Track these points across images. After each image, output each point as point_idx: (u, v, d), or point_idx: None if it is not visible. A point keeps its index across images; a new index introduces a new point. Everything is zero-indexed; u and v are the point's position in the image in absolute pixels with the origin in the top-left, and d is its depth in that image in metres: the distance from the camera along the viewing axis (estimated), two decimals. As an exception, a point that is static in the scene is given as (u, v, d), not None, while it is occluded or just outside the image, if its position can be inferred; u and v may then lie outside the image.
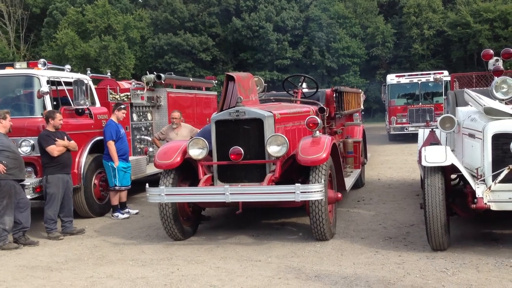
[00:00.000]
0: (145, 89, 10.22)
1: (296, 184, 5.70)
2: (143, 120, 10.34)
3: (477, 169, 5.52)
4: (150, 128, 10.56)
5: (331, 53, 41.14)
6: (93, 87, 8.80)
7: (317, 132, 6.29)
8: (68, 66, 8.42)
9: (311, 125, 6.24)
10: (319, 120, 6.21)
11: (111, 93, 9.34)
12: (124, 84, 10.28)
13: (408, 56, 40.27)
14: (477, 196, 5.16)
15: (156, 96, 10.62)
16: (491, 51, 7.02)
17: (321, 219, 5.94)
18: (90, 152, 8.26)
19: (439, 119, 6.37)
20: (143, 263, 5.61)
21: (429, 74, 19.72)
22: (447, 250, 5.50)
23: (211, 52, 43.02)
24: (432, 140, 7.61)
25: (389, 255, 5.46)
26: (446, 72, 19.41)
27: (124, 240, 6.74)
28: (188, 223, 6.69)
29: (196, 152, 6.29)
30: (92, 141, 8.27)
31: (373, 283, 4.56)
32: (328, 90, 8.60)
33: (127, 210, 8.31)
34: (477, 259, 5.15)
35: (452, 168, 5.51)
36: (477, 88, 7.83)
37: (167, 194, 6.00)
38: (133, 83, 10.18)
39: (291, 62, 41.81)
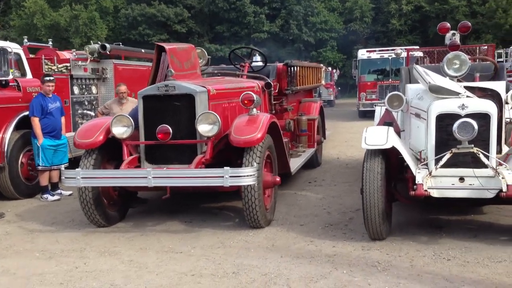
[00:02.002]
0: (89, 60, 9.50)
1: (225, 168, 5.15)
2: (86, 93, 9.63)
3: (420, 152, 5.04)
4: (95, 102, 9.87)
5: (309, 27, 40.48)
6: (23, 56, 8.07)
7: (254, 109, 5.73)
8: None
9: (246, 102, 5.68)
10: (255, 97, 5.64)
11: (46, 64, 8.62)
12: (66, 54, 9.55)
13: (386, 32, 39.80)
14: (416, 182, 4.68)
15: (101, 68, 9.90)
16: (448, 25, 6.49)
17: (254, 206, 5.42)
18: (17, 128, 7.61)
19: (387, 96, 5.86)
20: (51, 255, 5.05)
21: (402, 49, 19.22)
22: (386, 240, 5.05)
23: (186, 24, 41.96)
24: (387, 119, 7.11)
25: (322, 246, 4.98)
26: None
27: (43, 226, 6.16)
28: (115, 207, 6.11)
29: (120, 131, 5.70)
30: (19, 116, 7.59)
31: (293, 281, 4.08)
32: (280, 64, 8.00)
33: (58, 191, 7.70)
34: (415, 251, 4.70)
35: (397, 151, 5.03)
36: (431, 65, 7.32)
37: (83, 177, 5.41)
38: (74, 53, 9.44)
39: (268, 36, 41.03)
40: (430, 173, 4.70)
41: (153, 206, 6.97)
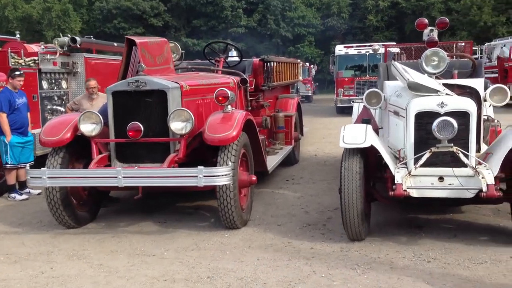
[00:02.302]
0: (58, 53, 9.16)
1: (199, 167, 4.96)
2: (55, 88, 9.29)
3: (399, 151, 4.93)
4: (65, 98, 9.53)
5: (286, 22, 40.37)
6: (-13, 50, 7.72)
7: (229, 106, 5.54)
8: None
9: (220, 98, 5.48)
10: (230, 93, 5.45)
11: (13, 57, 8.26)
12: (34, 48, 9.19)
13: (363, 28, 39.91)
14: (395, 182, 4.57)
15: (72, 62, 9.56)
16: (426, 21, 6.40)
17: (230, 206, 5.24)
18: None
19: (365, 93, 5.74)
20: (16, 258, 4.80)
21: (380, 45, 19.21)
22: (365, 240, 4.93)
23: (162, 18, 41.48)
24: (365, 116, 7.02)
25: (300, 247, 4.84)
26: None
27: (9, 227, 5.89)
28: (85, 208, 5.87)
29: (88, 128, 5.45)
30: (-18, 112, 7.25)
31: (271, 286, 3.92)
32: (256, 60, 7.82)
33: (27, 190, 7.40)
34: (394, 252, 4.59)
35: (376, 150, 4.90)
36: (410, 61, 7.24)
37: (49, 177, 5.15)
38: (42, 47, 9.09)
39: (245, 31, 40.80)
40: (409, 173, 4.59)
41: (126, 205, 6.74)
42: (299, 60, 11.06)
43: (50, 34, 36.31)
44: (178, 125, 5.26)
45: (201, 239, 5.23)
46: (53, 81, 9.26)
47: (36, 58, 8.76)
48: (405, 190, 4.53)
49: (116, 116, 5.51)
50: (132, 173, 5.07)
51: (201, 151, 5.66)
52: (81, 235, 5.48)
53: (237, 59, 8.37)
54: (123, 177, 5.03)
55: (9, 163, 7.11)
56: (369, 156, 5.05)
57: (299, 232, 5.37)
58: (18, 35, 9.83)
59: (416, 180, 4.64)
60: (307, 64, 30.66)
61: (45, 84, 9.03)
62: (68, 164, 5.58)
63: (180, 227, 5.66)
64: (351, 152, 4.85)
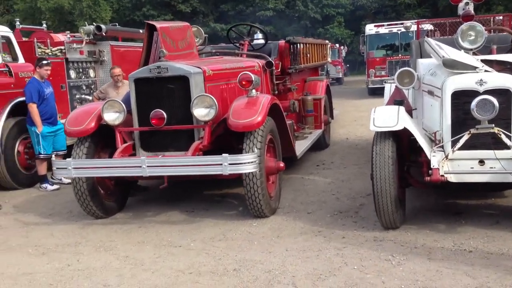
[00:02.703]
0: (84, 42, 9.11)
1: (223, 155, 4.79)
2: (83, 77, 9.26)
3: (435, 133, 4.64)
4: (93, 86, 9.50)
5: (315, 3, 39.62)
6: (14, 40, 7.70)
7: (253, 91, 5.34)
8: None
9: (244, 82, 5.28)
10: (253, 77, 5.24)
11: (39, 47, 8.24)
12: (60, 37, 9.16)
13: (394, 6, 38.80)
14: (432, 166, 4.30)
15: (98, 50, 9.51)
16: (461, -7, 6.02)
17: (257, 194, 5.07)
18: (11, 115, 7.29)
19: (396, 73, 5.43)
20: (44, 250, 4.76)
21: (412, 22, 18.57)
22: (400, 228, 4.69)
23: (190, 4, 41.32)
24: (398, 97, 6.70)
25: (331, 237, 4.63)
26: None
27: (40, 218, 5.88)
28: (112, 197, 5.79)
29: (111, 117, 5.35)
30: (13, 103, 7.27)
31: (300, 279, 3.74)
32: (282, 42, 7.56)
33: (59, 179, 7.39)
34: (432, 241, 4.34)
35: (409, 132, 4.63)
36: (444, 37, 6.86)
37: (75, 167, 5.08)
38: (68, 36, 9.04)
39: (273, 14, 40.28)
40: (446, 157, 4.31)
41: (153, 194, 6.65)
42: (327, 41, 10.72)
43: (81, 24, 36.53)
44: (201, 112, 5.10)
45: (229, 228, 5.08)
46: (81, 70, 9.23)
47: (62, 47, 8.74)
48: (442, 175, 4.26)
49: (139, 104, 5.39)
50: (156, 162, 4.95)
51: (227, 138, 5.49)
52: (108, 226, 5.41)
53: (262, 41, 8.15)
54: (147, 166, 4.91)
55: (42, 153, 7.11)
56: (402, 139, 4.78)
57: (330, 220, 5.17)
58: (44, 25, 9.81)
59: (454, 164, 4.36)
60: (337, 45, 30.05)
61: (72, 74, 9.01)
62: (94, 154, 5.50)
63: (207, 216, 5.53)
64: (382, 135, 4.59)
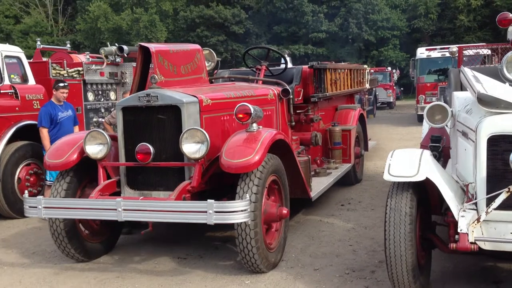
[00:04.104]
0: (105, 63, 8.71)
1: (209, 201, 4.05)
2: (103, 99, 8.85)
3: (467, 185, 3.73)
4: (113, 109, 9.06)
5: (369, 25, 38.62)
6: (25, 61, 7.35)
7: (254, 125, 4.60)
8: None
9: (240, 115, 4.54)
10: (252, 109, 4.49)
11: (54, 68, 7.88)
12: (81, 58, 8.80)
13: (453, 29, 37.14)
14: (459, 230, 3.39)
15: (120, 72, 9.09)
16: (510, 15, 5.08)
17: (250, 247, 4.29)
18: (14, 139, 6.89)
19: (426, 107, 4.55)
20: (0, 302, 4.17)
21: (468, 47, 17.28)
22: (420, 302, 3.77)
23: (244, 25, 41.29)
24: (436, 132, 5.78)
25: (332, 308, 3.78)
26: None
27: (19, 257, 5.33)
28: (97, 238, 5.16)
29: (94, 150, 4.75)
30: (16, 127, 6.87)
31: None
32: (305, 67, 6.80)
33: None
34: (458, 326, 3.41)
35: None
36: (490, 66, 5.88)
37: (45, 206, 4.49)
38: (88, 57, 8.66)
39: (326, 36, 39.64)
40: (478, 219, 3.38)
41: (154, 233, 5.96)
42: (365, 66, 9.84)
43: (137, 44, 37.33)
44: (191, 148, 4.41)
45: (216, 286, 4.32)
46: (100, 92, 8.82)
47: (80, 68, 8.36)
48: (472, 243, 3.34)
49: (126, 136, 4.78)
50: (133, 206, 4.28)
51: (227, 176, 4.76)
52: (85, 273, 4.77)
53: (290, 64, 7.45)
54: (123, 209, 4.25)
55: (48, 179, 6.70)
56: (428, 190, 3.89)
57: (338, 282, 4.30)
58: (68, 45, 9.51)
59: (489, 228, 3.43)
60: (389, 68, 28.88)
61: (90, 96, 8.61)
62: (77, 190, 4.92)
63: (198, 267, 4.80)
64: (400, 187, 3.73)
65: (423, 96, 17.24)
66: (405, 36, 38.53)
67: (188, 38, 41.79)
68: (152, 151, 4.55)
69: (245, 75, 6.72)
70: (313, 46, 40.54)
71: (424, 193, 3.88)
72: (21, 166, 6.96)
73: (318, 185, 6.14)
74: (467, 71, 4.17)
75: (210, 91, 5.13)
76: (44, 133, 6.61)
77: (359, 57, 41.68)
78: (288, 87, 6.04)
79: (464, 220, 3.41)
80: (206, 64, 6.03)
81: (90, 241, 5.07)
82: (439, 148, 5.61)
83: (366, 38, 38.84)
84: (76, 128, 6.87)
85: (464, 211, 3.51)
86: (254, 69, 6.66)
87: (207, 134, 4.37)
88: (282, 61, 7.86)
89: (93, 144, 4.74)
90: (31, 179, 7.03)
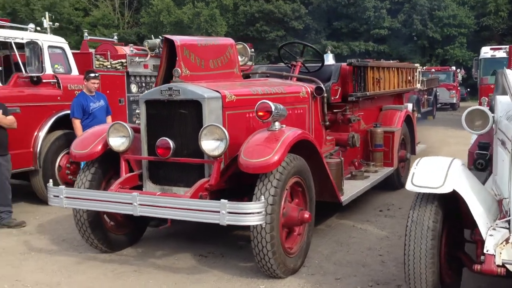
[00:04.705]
0: (149, 56, 8.76)
1: (222, 201, 3.92)
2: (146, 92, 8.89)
3: (501, 201, 3.39)
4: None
5: (435, 22, 37.15)
6: (69, 51, 7.49)
7: (276, 123, 4.40)
8: (31, 26, 7.11)
9: (260, 113, 4.35)
10: (273, 107, 4.30)
11: (98, 59, 8.00)
12: (126, 50, 8.90)
13: (526, 28, 35.12)
14: (485, 250, 3.07)
15: (165, 65, 9.09)
16: None
17: (266, 251, 4.12)
18: (55, 128, 7.03)
19: (465, 112, 4.19)
20: (15, 289, 4.22)
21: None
22: (444, 324, 3.46)
23: (303, 21, 40.87)
24: (485, 139, 5.38)
25: (345, 323, 3.55)
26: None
27: (48, 244, 5.42)
28: (122, 230, 5.15)
29: (116, 142, 4.73)
30: (57, 115, 7.00)
31: None
32: (344, 64, 6.50)
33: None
34: None
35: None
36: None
37: (67, 196, 4.52)
38: (132, 49, 8.74)
39: (388, 32, 38.50)
40: (507, 239, 3.05)
41: (180, 226, 5.91)
42: (417, 65, 9.34)
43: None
44: (210, 145, 4.28)
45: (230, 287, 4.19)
46: (143, 84, 8.90)
47: (124, 60, 8.45)
48: (500, 266, 3.02)
49: (149, 129, 4.72)
50: (149, 201, 4.21)
51: (249, 176, 4.60)
52: (105, 264, 4.77)
53: (331, 62, 7.19)
54: (139, 204, 4.19)
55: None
56: (460, 204, 3.56)
57: (358, 294, 4.06)
58: (115, 37, 9.65)
59: (520, 250, 3.08)
60: (453, 68, 27.63)
61: (133, 88, 8.70)
62: (102, 182, 4.93)
63: (217, 266, 4.68)
64: (424, 198, 3.43)
65: (486, 98, 16.28)
66: (472, 34, 36.77)
67: (247, 32, 41.88)
68: (172, 146, 4.47)
69: (281, 72, 6.51)
70: (374, 43, 39.51)
71: (455, 206, 3.55)
72: (61, 155, 7.10)
73: (351, 189, 5.86)
74: (508, 72, 3.79)
75: (236, 87, 4.98)
76: (77, 123, 6.70)
77: (423, 55, 40.28)
78: (322, 85, 5.79)
79: (492, 240, 3.09)
80: (240, 59, 5.88)
81: (114, 233, 5.08)
82: (487, 156, 5.20)
83: (431, 35, 37.44)
84: (109, 118, 6.92)
85: (494, 229, 3.19)
86: (289, 65, 6.44)
87: (226, 132, 4.22)
88: (327, 58, 7.61)
89: (116, 136, 4.72)
90: (71, 167, 7.16)
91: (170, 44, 4.93)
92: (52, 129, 6.95)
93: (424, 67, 28.22)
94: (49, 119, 6.92)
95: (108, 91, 7.99)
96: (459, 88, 27.83)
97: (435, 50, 38.64)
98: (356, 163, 6.74)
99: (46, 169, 6.90)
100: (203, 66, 5.07)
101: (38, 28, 7.27)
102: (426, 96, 19.85)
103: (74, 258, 4.94)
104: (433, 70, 25.31)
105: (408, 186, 3.39)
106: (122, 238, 5.19)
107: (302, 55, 6.39)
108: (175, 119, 4.58)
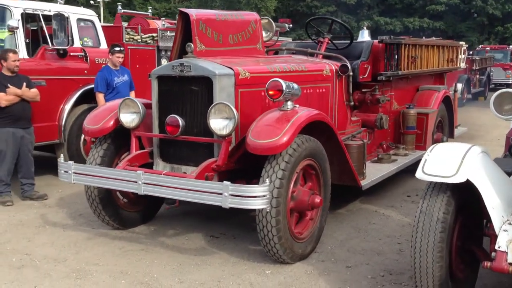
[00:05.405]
0: (180, 30, 8.61)
1: (225, 182, 3.76)
2: (177, 67, 8.79)
3: (521, 194, 3.06)
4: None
5: (496, -2, 35.33)
6: (98, 24, 7.45)
7: (289, 103, 4.17)
8: (61, -1, 7.11)
9: (271, 92, 4.13)
10: (285, 86, 4.06)
11: (128, 33, 7.93)
12: (158, 24, 8.79)
13: None
14: (496, 246, 2.78)
15: (196, 40, 8.95)
16: None
17: (272, 236, 3.95)
18: (82, 102, 7.06)
19: (494, 95, 3.83)
20: (26, 263, 4.23)
21: None
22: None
23: (356, -5, 39.77)
24: (523, 123, 4.96)
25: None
26: None
27: (65, 218, 5.45)
28: (135, 207, 5.09)
29: (127, 118, 4.64)
30: (83, 89, 7.02)
31: None
32: (376, 42, 6.13)
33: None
34: None
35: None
36: None
37: (75, 172, 4.48)
38: (163, 23, 8.62)
39: (445, 8, 36.93)
40: (521, 237, 2.74)
41: (197, 207, 5.82)
42: (462, 43, 8.75)
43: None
44: (218, 124, 4.11)
45: (234, 272, 4.05)
46: (175, 59, 8.77)
47: (155, 34, 8.35)
48: (509, 264, 2.73)
49: (160, 106, 4.60)
50: (153, 180, 4.10)
51: (260, 157, 4.42)
52: (115, 241, 4.74)
53: (368, 38, 6.84)
54: (143, 183, 4.10)
55: None
56: (479, 194, 3.26)
57: (367, 285, 3.84)
58: (150, 11, 9.56)
59: (536, 249, 2.77)
60: (511, 47, 26.13)
61: (164, 62, 8.56)
62: (114, 158, 4.87)
63: (226, 248, 4.56)
64: (436, 188, 3.14)
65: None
66: (536, 10, 34.75)
67: (298, 8, 41.24)
68: (181, 123, 4.33)
69: (305, 48, 6.21)
70: (430, 20, 38.06)
71: (473, 197, 3.25)
72: (87, 128, 7.11)
73: (375, 173, 5.57)
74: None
75: (253, 63, 4.77)
76: (100, 98, 6.66)
77: (481, 33, 38.47)
78: (347, 63, 5.48)
79: (506, 235, 2.80)
80: (264, 35, 5.64)
81: (127, 210, 5.03)
82: (525, 142, 4.80)
83: (491, 12, 35.67)
84: (133, 94, 6.85)
85: (510, 224, 2.87)
86: (316, 42, 6.12)
87: (234, 110, 4.04)
88: (363, 35, 7.29)
89: (127, 112, 4.62)
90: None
91: (186, 18, 4.74)
92: (78, 102, 6.98)
93: (480, 46, 26.90)
94: (75, 92, 6.94)
95: (137, 66, 7.95)
96: (516, 68, 26.34)
97: (495, 27, 36.89)
98: (384, 145, 6.41)
99: (71, 143, 6.95)
100: (221, 42, 4.87)
101: (92, 2, 7.24)
102: (478, 76, 18.86)
103: (86, 234, 4.94)
104: (487, 48, 23.98)
105: (418, 174, 3.11)
106: (135, 216, 5.14)
107: (330, 31, 6.05)
108: (187, 96, 4.44)
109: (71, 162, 4.53)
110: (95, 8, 35.42)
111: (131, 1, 42.31)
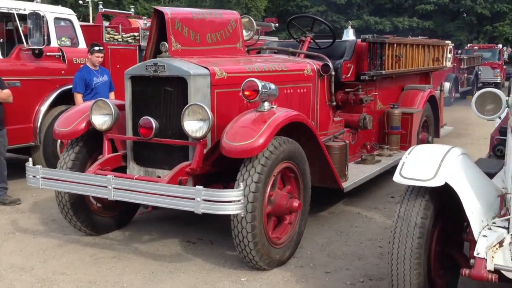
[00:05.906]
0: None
1: (197, 187, 3.60)
2: (159, 67, 8.62)
3: (503, 196, 2.95)
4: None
5: (484, -3, 35.40)
6: (76, 24, 7.26)
7: (266, 103, 4.03)
8: (39, -5, 6.90)
9: (246, 93, 3.98)
10: (260, 85, 3.91)
11: (108, 33, 7.74)
12: (140, 23, 8.61)
13: None
14: (475, 253, 2.64)
15: (179, 40, 8.78)
16: None
17: (247, 242, 3.80)
18: (59, 103, 6.87)
19: (476, 94, 3.71)
20: (-13, 271, 4.06)
21: None
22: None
23: (345, -5, 39.73)
24: (505, 123, 4.86)
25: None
26: None
27: (36, 224, 5.25)
28: (109, 213, 4.91)
29: (99, 120, 4.47)
30: (60, 90, 6.83)
31: None
32: (359, 40, 6.00)
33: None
34: None
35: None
36: None
37: (43, 177, 4.30)
38: (145, 22, 8.44)
39: (435, 8, 36.92)
40: (500, 243, 2.62)
41: (177, 211, 5.65)
42: (448, 42, 8.65)
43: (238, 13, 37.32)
44: (192, 126, 3.96)
45: (208, 280, 3.90)
46: (157, 59, 8.60)
47: (136, 34, 8.18)
48: (491, 271, 2.59)
49: (134, 108, 4.43)
50: (123, 185, 3.93)
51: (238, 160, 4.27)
52: (86, 248, 4.56)
53: (353, 38, 6.72)
54: (114, 188, 3.93)
55: None
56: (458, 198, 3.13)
57: (345, 292, 3.70)
58: (132, 10, 9.37)
59: (515, 256, 2.65)
60: (499, 45, 26.17)
61: (146, 63, 8.42)
62: (87, 162, 4.69)
63: (202, 254, 4.40)
64: (414, 192, 3.01)
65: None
66: (525, 10, 34.86)
67: (288, 7, 41.14)
68: (154, 125, 4.16)
69: (287, 47, 6.06)
70: (419, 19, 38.02)
71: (452, 201, 3.12)
72: (64, 130, 6.93)
73: (358, 174, 5.45)
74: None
75: (231, 63, 4.61)
76: (79, 98, 6.47)
77: (470, 32, 38.51)
78: (329, 62, 5.34)
79: (485, 241, 2.66)
80: (245, 34, 5.49)
81: (100, 215, 4.85)
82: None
83: (480, 11, 35.67)
84: (112, 94, 6.67)
85: (490, 229, 2.75)
86: (298, 41, 5.98)
87: (209, 112, 3.89)
88: (348, 34, 7.17)
89: (99, 114, 4.45)
90: (74, 144, 6.99)
91: (162, 17, 4.58)
92: (55, 104, 6.79)
93: (469, 45, 26.91)
94: (52, 93, 6.76)
95: (118, 66, 7.76)
96: (504, 67, 26.35)
97: (483, 27, 36.92)
98: (368, 146, 6.29)
99: (47, 145, 6.77)
100: (199, 41, 4.71)
101: (81, 2, 7.07)
102: (466, 74, 18.84)
103: (57, 241, 4.76)
104: (476, 47, 23.99)
105: (396, 177, 2.98)
106: (109, 221, 4.96)
107: (312, 29, 5.91)
108: (161, 97, 4.27)
109: (39, 167, 4.35)
110: (84, 8, 35.13)
111: (121, 1, 42.01)
